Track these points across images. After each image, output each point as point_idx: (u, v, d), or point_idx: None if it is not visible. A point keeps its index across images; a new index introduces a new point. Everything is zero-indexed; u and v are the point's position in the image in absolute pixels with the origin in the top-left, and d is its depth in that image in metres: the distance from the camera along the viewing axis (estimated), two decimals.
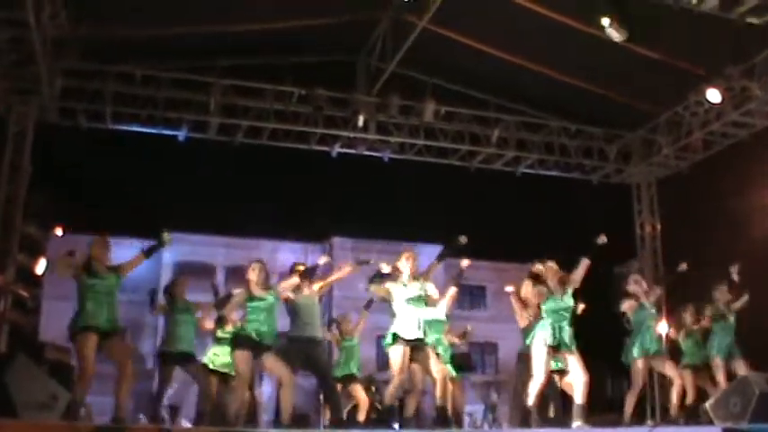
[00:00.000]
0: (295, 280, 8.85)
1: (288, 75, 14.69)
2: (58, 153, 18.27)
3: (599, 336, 11.50)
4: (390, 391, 8.64)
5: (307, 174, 26.68)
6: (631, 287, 10.05)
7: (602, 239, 8.66)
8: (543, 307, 8.78)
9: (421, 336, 8.56)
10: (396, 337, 8.48)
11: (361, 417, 10.41)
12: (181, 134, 14.97)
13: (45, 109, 13.73)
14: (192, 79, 14.44)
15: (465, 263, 10.93)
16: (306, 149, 15.84)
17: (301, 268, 9.25)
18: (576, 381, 8.59)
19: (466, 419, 17.34)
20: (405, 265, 8.75)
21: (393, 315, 8.64)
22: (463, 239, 8.86)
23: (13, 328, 12.80)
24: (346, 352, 11.13)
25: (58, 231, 10.94)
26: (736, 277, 10.75)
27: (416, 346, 8.53)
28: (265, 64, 14.43)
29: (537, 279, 9.04)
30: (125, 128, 14.89)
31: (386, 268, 8.82)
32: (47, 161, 14.65)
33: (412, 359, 8.60)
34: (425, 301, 8.83)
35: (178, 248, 32.45)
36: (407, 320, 8.51)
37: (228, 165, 29.53)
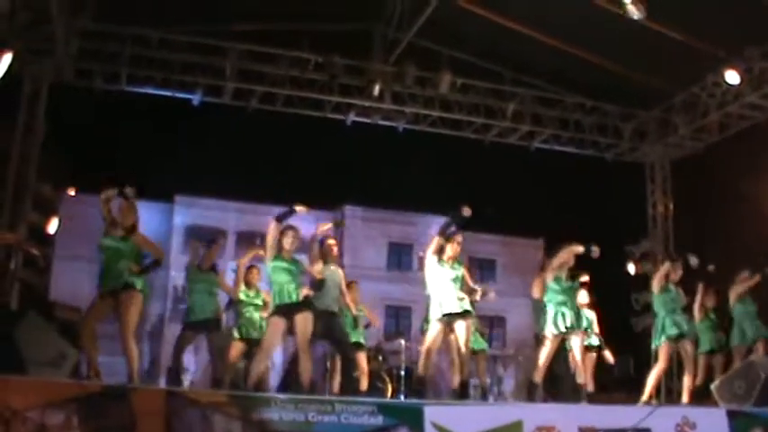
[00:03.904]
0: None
1: (304, 42, 14.62)
2: (72, 114, 18.25)
3: (609, 315, 11.52)
4: (423, 363, 8.89)
5: (320, 142, 26.62)
6: (663, 271, 9.96)
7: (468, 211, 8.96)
8: (548, 291, 9.25)
9: (464, 308, 8.83)
10: (441, 313, 8.78)
11: (363, 385, 10.51)
12: (195, 98, 14.94)
13: (60, 69, 13.71)
14: (208, 43, 14.37)
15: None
16: (320, 117, 15.82)
17: (332, 242, 9.48)
18: (579, 361, 9.17)
19: (471, 392, 17.37)
20: (450, 248, 9.02)
21: (434, 292, 8.93)
22: (467, 211, 8.92)
23: (24, 287, 12.89)
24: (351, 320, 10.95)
25: (71, 192, 10.98)
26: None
27: (457, 321, 8.80)
28: (282, 30, 14.34)
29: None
30: (140, 90, 14.87)
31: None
32: (61, 122, 14.64)
33: (450, 332, 8.97)
34: (462, 282, 9.12)
35: (189, 212, 32.64)
36: (450, 297, 8.80)
37: (242, 130, 29.44)
